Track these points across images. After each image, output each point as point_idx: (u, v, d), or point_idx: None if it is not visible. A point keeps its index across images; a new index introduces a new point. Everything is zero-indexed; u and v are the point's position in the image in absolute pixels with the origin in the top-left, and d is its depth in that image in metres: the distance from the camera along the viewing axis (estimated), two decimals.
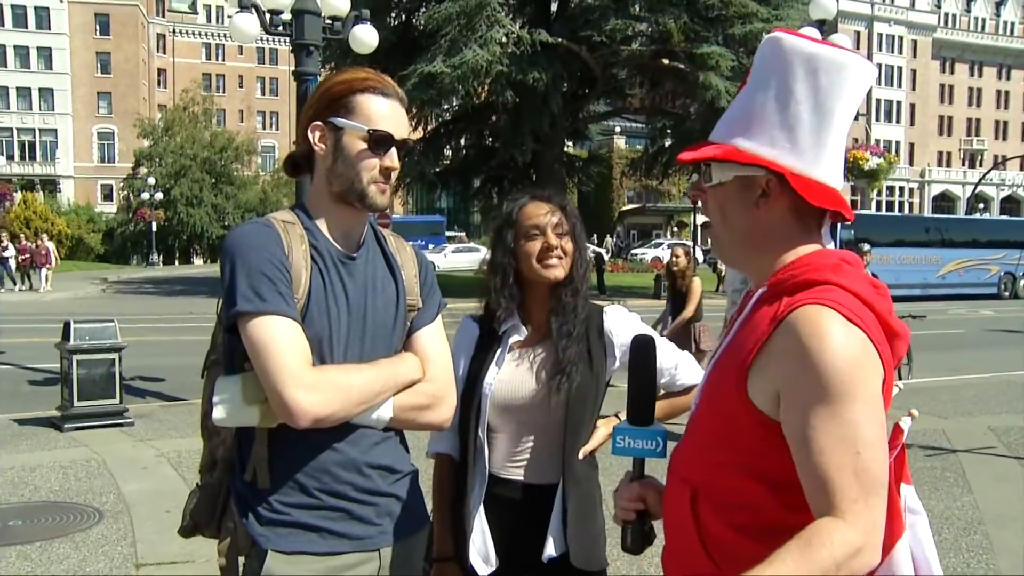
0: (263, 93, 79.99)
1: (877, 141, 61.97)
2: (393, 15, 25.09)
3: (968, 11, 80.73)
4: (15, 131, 65.80)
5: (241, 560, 1.78)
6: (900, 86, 74.77)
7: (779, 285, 1.38)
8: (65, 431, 7.57)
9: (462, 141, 28.60)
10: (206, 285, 27.98)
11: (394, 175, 1.83)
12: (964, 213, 56.59)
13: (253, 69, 79.31)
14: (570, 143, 32.96)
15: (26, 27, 65.63)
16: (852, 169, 29.28)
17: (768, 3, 22.61)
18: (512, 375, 2.21)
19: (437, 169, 27.09)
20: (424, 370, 1.86)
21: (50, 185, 64.13)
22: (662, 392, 2.32)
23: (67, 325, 7.86)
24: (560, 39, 21.91)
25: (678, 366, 2.32)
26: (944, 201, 76.32)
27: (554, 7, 24.85)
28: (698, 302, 8.55)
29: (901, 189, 74.20)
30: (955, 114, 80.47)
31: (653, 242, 48.91)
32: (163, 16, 76.66)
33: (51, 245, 29.47)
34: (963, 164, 79.72)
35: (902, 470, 1.39)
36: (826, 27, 10.99)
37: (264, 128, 78.05)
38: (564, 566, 2.13)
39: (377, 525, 1.81)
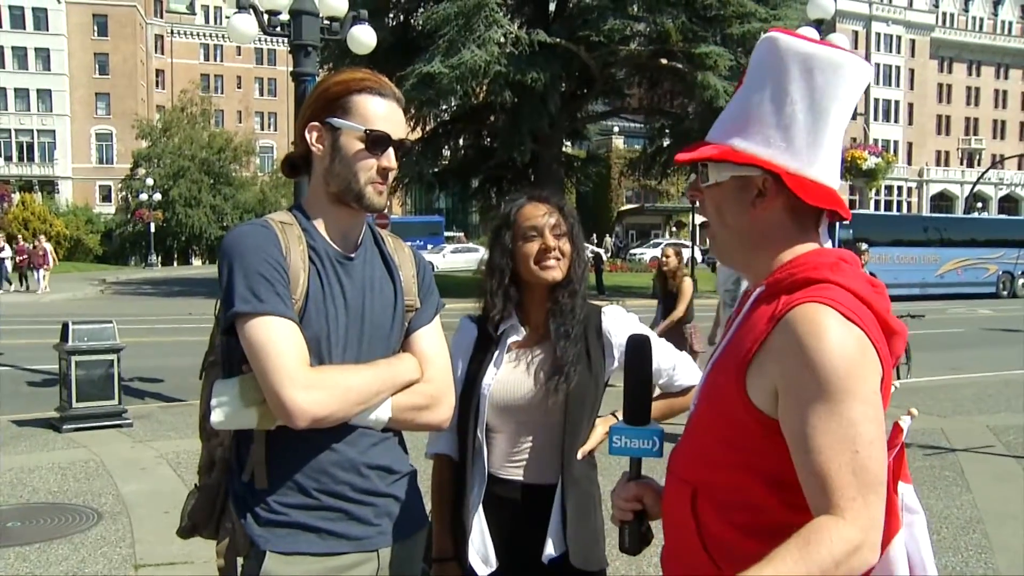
0: (261, 94, 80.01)
1: (875, 140, 62.02)
2: (391, 15, 25.11)
3: (966, 10, 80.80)
4: (13, 132, 65.80)
5: (240, 561, 1.78)
6: (898, 85, 74.83)
7: (777, 284, 1.39)
8: (64, 432, 7.57)
9: (460, 141, 28.60)
10: (204, 286, 27.99)
11: (391, 175, 1.83)
12: (962, 212, 56.64)
13: (251, 70, 79.34)
14: (568, 143, 32.98)
15: (24, 28, 65.61)
16: (850, 168, 29.28)
17: (766, 3, 22.62)
18: (510, 376, 2.21)
19: (435, 169, 27.09)
20: (422, 370, 1.86)
21: (48, 186, 64.09)
22: (660, 392, 2.33)
23: (65, 326, 7.85)
24: (558, 39, 21.91)
25: (676, 367, 2.33)
26: (942, 200, 76.36)
27: (552, 7, 24.86)
28: (689, 302, 8.48)
29: (899, 188, 74.24)
30: (953, 113, 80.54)
31: (652, 242, 48.90)
32: (161, 17, 76.65)
33: (48, 246, 29.45)
34: (961, 163, 79.77)
35: (901, 469, 1.39)
36: (824, 27, 10.99)
37: (262, 129, 78.06)
38: (563, 566, 2.13)
39: (376, 525, 1.81)
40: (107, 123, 69.34)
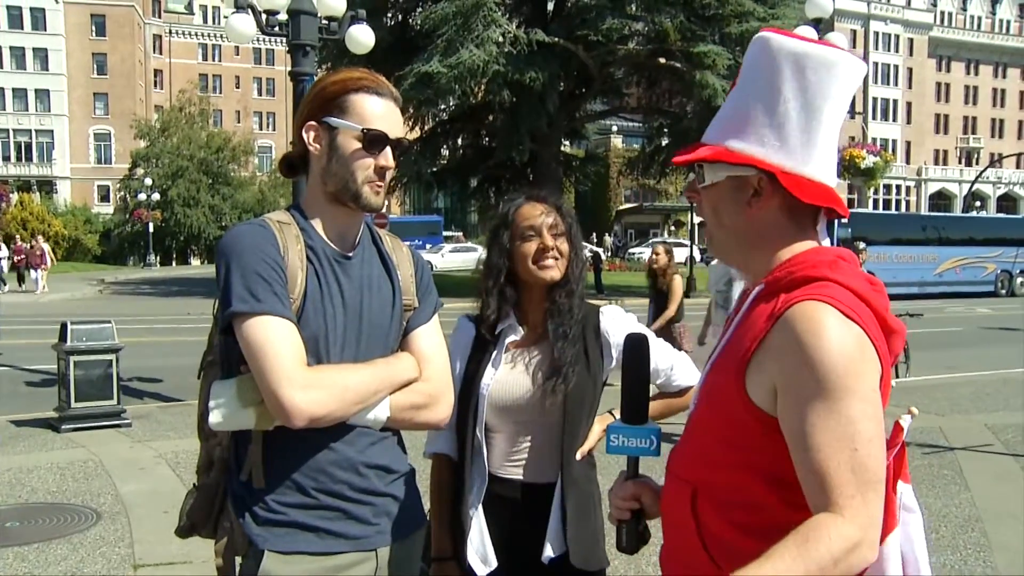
0: (260, 93, 79.98)
1: (873, 140, 61.94)
2: (389, 15, 25.09)
3: (964, 9, 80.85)
4: (11, 132, 65.73)
5: (238, 560, 1.78)
6: (896, 84, 74.87)
7: (776, 282, 1.39)
8: (62, 432, 7.57)
9: (459, 141, 28.59)
10: (203, 286, 27.97)
11: (389, 175, 1.83)
12: (961, 211, 56.66)
13: (250, 70, 79.30)
14: (567, 142, 32.96)
15: (22, 28, 65.54)
16: (848, 167, 29.27)
17: (764, 2, 22.62)
18: (509, 375, 2.21)
19: (434, 169, 27.07)
20: (421, 369, 1.87)
21: (47, 186, 64.06)
22: (658, 392, 2.32)
23: (64, 326, 7.85)
24: (557, 39, 21.91)
25: (674, 367, 2.33)
26: (940, 199, 76.43)
27: (550, 7, 24.86)
28: (680, 301, 8.42)
29: (898, 187, 74.28)
30: (951, 112, 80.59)
31: (650, 241, 48.92)
32: (159, 17, 76.60)
33: (46, 246, 29.41)
34: (959, 162, 79.82)
35: (901, 468, 1.39)
36: (822, 26, 10.98)
37: (261, 128, 78.01)
38: (563, 565, 2.13)
39: (374, 525, 1.82)
40: (105, 123, 69.28)
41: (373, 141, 1.78)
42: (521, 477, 2.21)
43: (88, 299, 26.28)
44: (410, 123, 23.81)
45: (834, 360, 1.25)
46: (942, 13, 79.12)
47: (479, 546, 2.18)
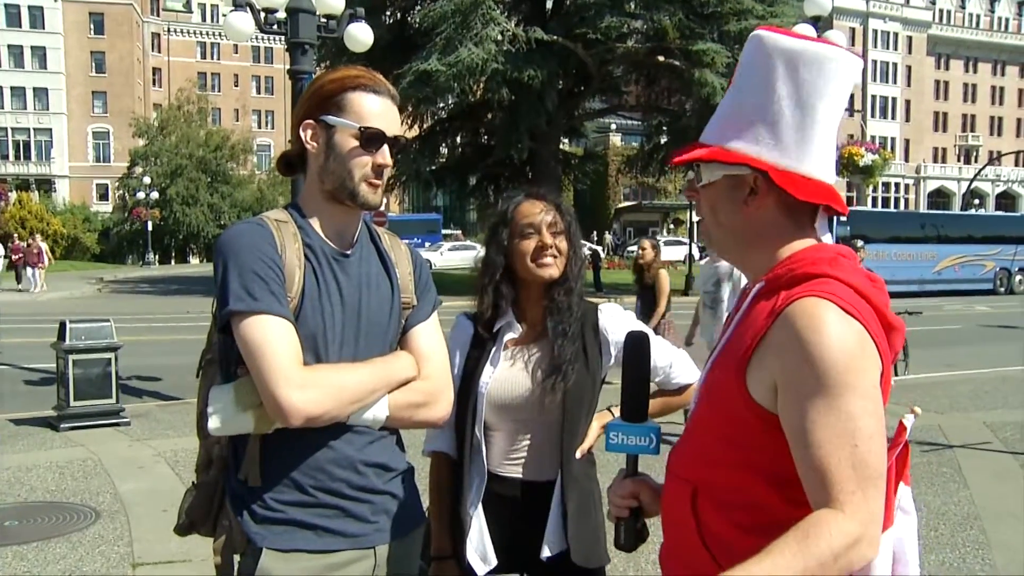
0: (258, 92, 79.94)
1: (872, 137, 61.97)
2: (388, 13, 25.05)
3: (963, 7, 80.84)
4: (10, 131, 65.66)
5: (236, 558, 1.78)
6: (895, 82, 74.85)
7: (777, 280, 1.39)
8: (61, 431, 7.56)
9: (458, 139, 28.56)
10: (202, 284, 27.95)
11: (386, 172, 1.83)
12: (959, 209, 56.67)
13: (248, 68, 79.25)
14: (566, 140, 32.93)
15: (20, 26, 65.44)
16: (847, 165, 29.30)
17: (763, 0, 22.62)
18: (508, 373, 2.21)
19: (433, 167, 27.05)
20: (419, 367, 1.86)
21: (45, 185, 64.04)
22: (656, 390, 2.32)
23: (63, 325, 7.84)
24: (555, 36, 21.89)
25: (673, 365, 2.33)
26: (939, 197, 76.43)
27: (549, 5, 24.83)
28: (668, 296, 8.35)
29: (896, 185, 74.28)
30: (950, 110, 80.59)
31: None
32: (158, 15, 76.54)
33: (44, 245, 29.35)
34: (958, 160, 79.81)
35: (904, 469, 1.39)
36: (821, 23, 10.97)
37: (260, 127, 77.94)
38: (563, 563, 2.13)
39: (372, 523, 1.81)
40: (104, 121, 69.23)
41: (370, 139, 1.78)
42: (520, 475, 2.21)
43: (87, 298, 26.27)
44: (409, 121, 23.80)
45: (835, 356, 1.25)
46: (941, 11, 79.10)
47: (479, 545, 2.18)
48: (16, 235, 33.84)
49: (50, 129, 66.64)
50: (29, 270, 27.89)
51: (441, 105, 24.75)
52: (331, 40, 10.47)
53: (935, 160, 78.98)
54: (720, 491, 1.40)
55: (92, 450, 6.97)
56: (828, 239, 1.47)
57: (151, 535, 4.96)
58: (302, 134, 1.81)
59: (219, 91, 77.11)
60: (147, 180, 51.28)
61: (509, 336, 2.24)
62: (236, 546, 1.76)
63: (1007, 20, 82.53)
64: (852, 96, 1.50)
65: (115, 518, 5.33)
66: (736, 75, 1.48)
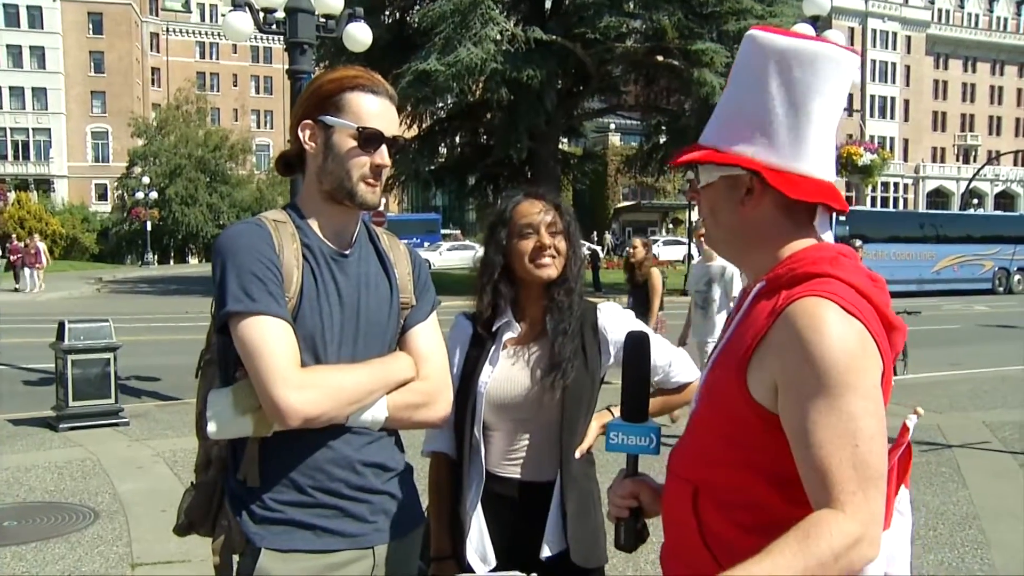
0: (257, 92, 79.92)
1: (871, 137, 61.95)
2: (387, 13, 25.06)
3: (962, 7, 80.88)
4: (8, 131, 65.61)
5: (235, 558, 1.78)
6: (894, 82, 74.86)
7: (777, 279, 1.39)
8: (60, 431, 7.56)
9: (457, 139, 28.57)
10: (201, 284, 27.94)
11: (385, 173, 1.83)
12: (958, 209, 56.67)
13: (247, 68, 79.21)
14: (565, 140, 32.96)
15: (18, 26, 65.39)
16: (846, 165, 29.28)
17: None
18: (507, 373, 2.21)
19: (432, 167, 27.06)
20: (418, 368, 1.86)
21: (44, 185, 63.99)
22: (656, 389, 2.32)
23: (62, 325, 7.84)
24: (554, 36, 21.90)
25: (672, 363, 2.32)
26: (938, 197, 76.45)
27: (548, 4, 24.83)
28: (661, 294, 8.36)
29: (895, 185, 74.29)
30: (949, 110, 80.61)
31: (649, 239, 48.86)
32: (156, 15, 76.51)
33: (42, 245, 29.32)
34: (957, 160, 79.85)
35: (906, 471, 1.39)
36: (820, 23, 10.98)
37: (259, 127, 77.92)
38: (562, 563, 2.13)
39: (371, 523, 1.81)
40: (103, 121, 69.18)
41: (368, 139, 1.78)
42: (519, 475, 2.21)
43: (86, 298, 26.26)
44: (408, 121, 23.80)
45: (835, 356, 1.25)
46: (940, 11, 79.13)
47: (478, 545, 2.17)
48: (14, 235, 33.79)
49: (49, 129, 66.58)
50: (27, 271, 27.85)
51: (440, 105, 24.75)
52: (330, 40, 10.46)
53: (934, 160, 79.02)
54: (721, 491, 1.39)
55: (91, 450, 6.96)
56: (829, 237, 1.47)
57: (150, 535, 4.96)
58: (300, 134, 1.81)
59: (218, 91, 77.08)
60: (146, 180, 51.26)
61: (508, 335, 2.24)
62: (235, 546, 1.76)
63: (1006, 20, 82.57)
64: (851, 96, 1.50)
65: (114, 518, 5.33)
66: (731, 75, 1.48)
